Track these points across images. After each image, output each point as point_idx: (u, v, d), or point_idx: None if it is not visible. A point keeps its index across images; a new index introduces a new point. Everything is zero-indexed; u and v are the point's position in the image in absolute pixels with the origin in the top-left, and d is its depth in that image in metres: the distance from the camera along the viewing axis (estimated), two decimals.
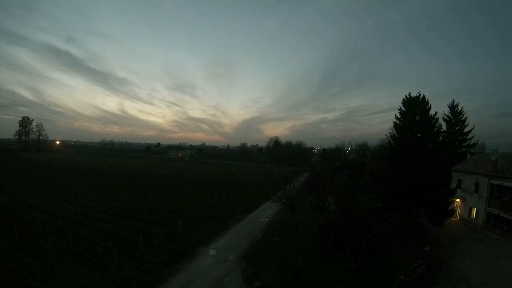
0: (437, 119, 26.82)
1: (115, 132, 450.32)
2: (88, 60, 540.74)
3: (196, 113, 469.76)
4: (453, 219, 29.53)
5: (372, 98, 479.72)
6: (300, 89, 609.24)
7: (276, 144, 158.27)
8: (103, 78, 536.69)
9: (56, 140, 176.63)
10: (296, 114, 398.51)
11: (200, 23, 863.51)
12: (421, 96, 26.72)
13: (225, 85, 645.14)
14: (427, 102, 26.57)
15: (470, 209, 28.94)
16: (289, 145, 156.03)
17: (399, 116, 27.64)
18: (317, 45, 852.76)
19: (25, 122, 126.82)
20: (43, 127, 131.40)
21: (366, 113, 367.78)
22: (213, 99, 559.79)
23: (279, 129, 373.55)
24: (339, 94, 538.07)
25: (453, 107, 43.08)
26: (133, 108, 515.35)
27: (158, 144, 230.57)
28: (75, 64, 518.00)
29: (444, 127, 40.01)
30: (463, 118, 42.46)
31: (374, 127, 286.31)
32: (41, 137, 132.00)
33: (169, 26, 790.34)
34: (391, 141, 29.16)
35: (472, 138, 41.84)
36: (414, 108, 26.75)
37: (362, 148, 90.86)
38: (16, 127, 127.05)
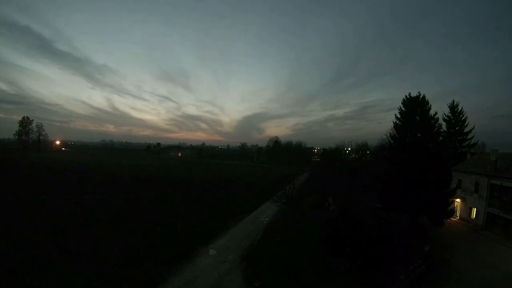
0: (437, 119, 26.97)
1: (111, 131, 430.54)
2: (57, 40, 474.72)
3: (191, 109, 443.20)
4: (453, 219, 29.53)
5: (392, 91, 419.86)
6: (309, 79, 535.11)
7: (276, 144, 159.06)
8: (81, 66, 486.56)
9: (56, 140, 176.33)
10: (301, 110, 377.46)
11: None
12: (421, 96, 26.79)
13: (221, 73, 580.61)
14: (427, 102, 26.68)
15: (470, 209, 28.94)
16: (289, 145, 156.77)
17: (399, 116, 27.67)
18: (334, 23, 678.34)
19: (25, 122, 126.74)
20: (43, 127, 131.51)
21: (381, 109, 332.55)
22: (208, 92, 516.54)
23: (281, 128, 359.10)
24: (356, 87, 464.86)
25: (453, 107, 43.14)
26: (124, 104, 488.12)
27: (158, 144, 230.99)
28: (43, 47, 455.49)
29: (444, 127, 40.14)
30: (463, 118, 42.53)
31: (386, 125, 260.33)
32: (41, 137, 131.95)
33: None
34: (391, 141, 29.19)
35: (472, 138, 41.95)
36: (414, 108, 26.80)
37: (362, 148, 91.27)
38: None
